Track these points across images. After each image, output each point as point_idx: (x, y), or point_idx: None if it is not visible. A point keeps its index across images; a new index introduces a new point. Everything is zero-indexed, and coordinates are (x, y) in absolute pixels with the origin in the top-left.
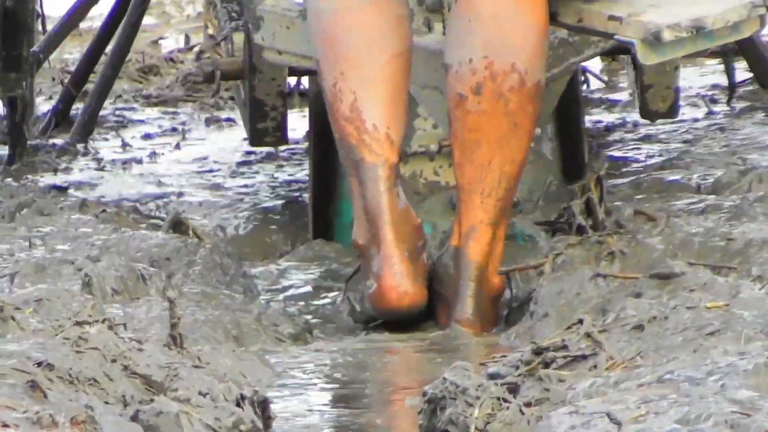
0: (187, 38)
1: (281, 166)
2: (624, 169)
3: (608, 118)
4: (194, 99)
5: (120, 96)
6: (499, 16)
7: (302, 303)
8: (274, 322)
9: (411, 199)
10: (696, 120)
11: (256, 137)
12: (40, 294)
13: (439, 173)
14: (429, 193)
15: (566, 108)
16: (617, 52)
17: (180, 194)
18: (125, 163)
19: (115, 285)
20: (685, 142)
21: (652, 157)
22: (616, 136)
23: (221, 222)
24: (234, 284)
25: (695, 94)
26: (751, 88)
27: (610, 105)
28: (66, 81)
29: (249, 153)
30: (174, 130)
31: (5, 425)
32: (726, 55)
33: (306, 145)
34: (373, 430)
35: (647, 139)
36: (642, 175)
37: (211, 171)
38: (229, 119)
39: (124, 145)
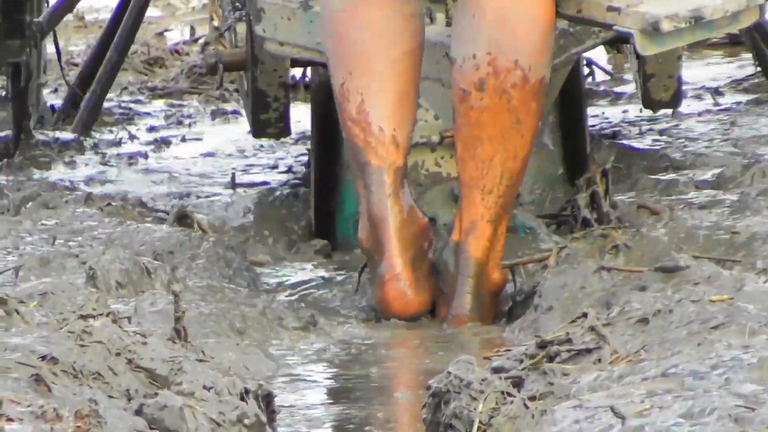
0: (193, 30)
1: (286, 158)
2: (628, 162)
3: (613, 110)
4: (200, 91)
5: (125, 88)
6: (503, 12)
7: (307, 296)
8: (279, 315)
9: (412, 190)
10: (701, 113)
11: (258, 128)
12: (45, 287)
13: (440, 164)
14: (430, 184)
15: (568, 98)
16: (619, 41)
17: (185, 187)
18: (131, 156)
19: (119, 278)
20: (689, 134)
21: (656, 149)
22: (619, 128)
23: (226, 215)
24: (238, 278)
25: (701, 87)
26: (756, 80)
27: (615, 97)
28: (71, 76)
29: (255, 146)
30: (179, 122)
31: (9, 419)
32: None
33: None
34: (377, 424)
35: (651, 131)
36: (646, 168)
37: (216, 163)
38: (235, 111)
39: (131, 137)
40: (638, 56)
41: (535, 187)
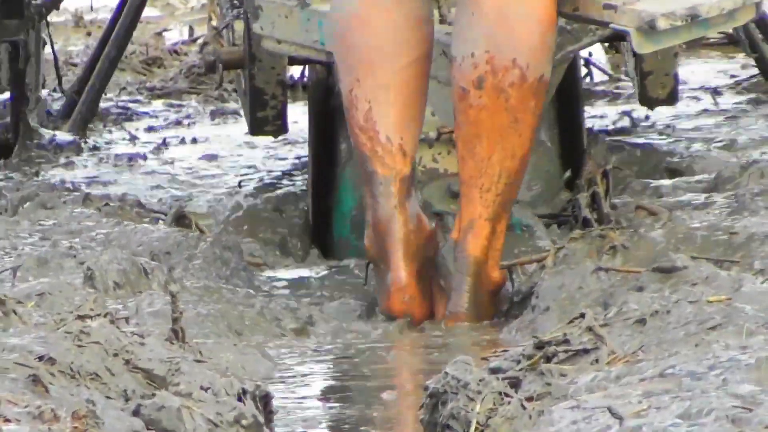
0: (191, 30)
1: (285, 158)
2: (626, 162)
3: (611, 110)
4: (198, 91)
5: (124, 88)
6: (501, 10)
7: (304, 297)
8: (276, 316)
9: (418, 195)
10: (699, 113)
11: (256, 126)
12: (43, 288)
13: (437, 160)
14: (428, 180)
15: (565, 96)
16: (616, 38)
17: (183, 188)
18: (129, 157)
19: (117, 279)
20: (687, 135)
21: (654, 149)
22: (618, 127)
23: (224, 215)
24: (235, 278)
25: (699, 87)
26: (755, 80)
27: (614, 97)
28: (69, 76)
29: (254, 146)
30: (179, 123)
31: (7, 420)
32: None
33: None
34: (374, 425)
35: (650, 131)
36: (644, 168)
37: (215, 164)
38: (234, 112)
39: (132, 138)
40: (635, 54)
41: (532, 183)
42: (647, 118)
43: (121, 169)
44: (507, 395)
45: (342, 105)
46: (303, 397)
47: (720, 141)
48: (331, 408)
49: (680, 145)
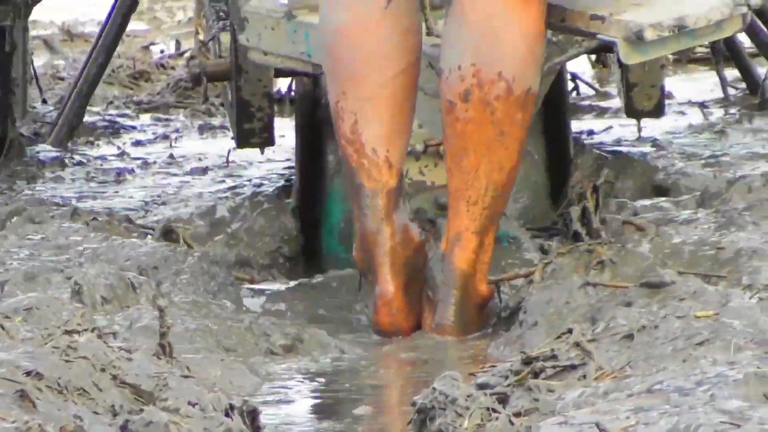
0: (178, 44)
1: (273, 171)
2: (613, 176)
3: (598, 124)
4: (185, 105)
5: (111, 102)
6: (488, 23)
7: (292, 311)
8: (265, 331)
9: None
10: (686, 127)
11: (242, 138)
12: (30, 302)
13: (424, 173)
14: (414, 192)
15: (552, 107)
16: (602, 50)
17: (171, 202)
18: (117, 171)
19: (104, 293)
20: (674, 149)
21: (641, 164)
22: (604, 141)
23: (212, 230)
24: (222, 293)
25: (687, 101)
26: (741, 94)
27: (600, 112)
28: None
29: (241, 159)
30: (166, 137)
31: None
32: (717, 60)
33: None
34: None
35: (636, 145)
36: (631, 183)
37: (203, 178)
38: (222, 126)
39: (121, 153)
40: (621, 66)
41: (519, 195)
42: (639, 132)
43: (109, 183)
44: (495, 411)
45: (329, 117)
46: (291, 413)
47: (707, 156)
48: (319, 423)
49: (667, 160)
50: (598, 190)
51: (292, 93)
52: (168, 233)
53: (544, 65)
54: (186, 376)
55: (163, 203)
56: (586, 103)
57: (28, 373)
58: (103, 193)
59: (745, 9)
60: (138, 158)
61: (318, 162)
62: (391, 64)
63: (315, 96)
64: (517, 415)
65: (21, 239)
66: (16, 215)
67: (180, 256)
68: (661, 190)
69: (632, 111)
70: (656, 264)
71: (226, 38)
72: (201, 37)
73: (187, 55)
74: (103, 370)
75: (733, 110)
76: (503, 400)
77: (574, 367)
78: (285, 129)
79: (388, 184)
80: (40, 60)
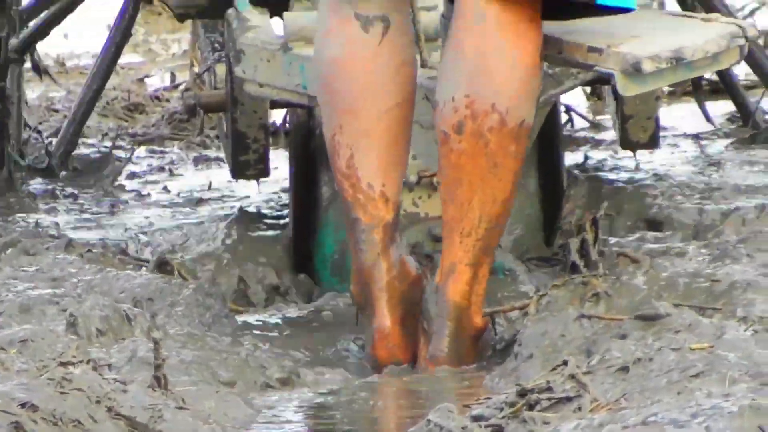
0: (173, 76)
1: (268, 203)
2: (607, 208)
3: (592, 157)
4: (181, 137)
5: (106, 134)
6: (482, 55)
7: (288, 343)
8: (261, 364)
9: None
10: (681, 159)
11: (238, 170)
12: (25, 334)
13: (418, 204)
14: (408, 224)
15: (546, 139)
16: (597, 82)
17: (166, 234)
18: (112, 203)
19: (100, 325)
20: (668, 181)
21: (635, 196)
22: (599, 174)
23: (207, 261)
24: (218, 324)
25: (681, 134)
26: (733, 126)
27: (595, 144)
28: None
29: (236, 192)
30: (161, 169)
31: None
32: (698, 92)
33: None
34: None
35: (630, 177)
36: (625, 215)
37: (198, 210)
38: (217, 158)
39: (116, 185)
40: (616, 97)
41: (513, 227)
42: (637, 164)
43: (103, 215)
44: None
45: (323, 147)
46: None
47: (701, 188)
48: None
49: (661, 192)
50: (597, 223)
51: (286, 125)
52: (163, 265)
53: (540, 98)
54: (181, 408)
55: (158, 235)
56: (581, 135)
57: (23, 405)
58: (97, 225)
59: (742, 41)
60: (133, 190)
61: (312, 193)
62: (387, 97)
63: (309, 127)
64: None
65: (16, 271)
66: (10, 247)
67: (175, 287)
68: (655, 222)
69: (627, 143)
70: (651, 296)
71: (221, 70)
72: (196, 69)
73: (181, 87)
74: (98, 402)
75: (727, 142)
76: (498, 431)
77: (569, 399)
78: (279, 160)
79: (384, 219)
80: (34, 92)
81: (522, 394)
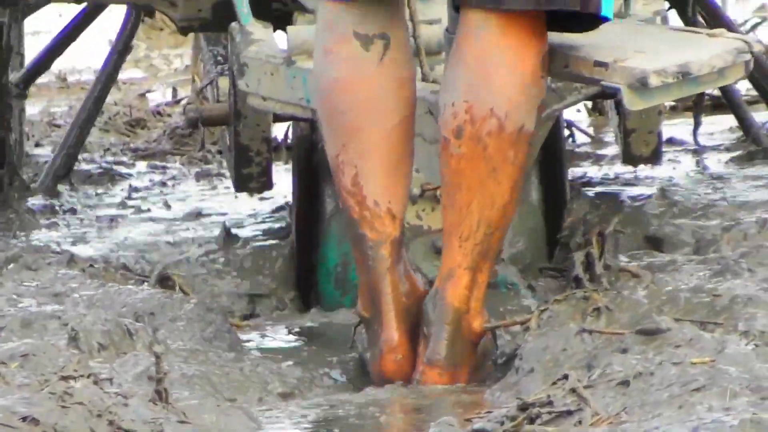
0: (175, 91)
1: (271, 218)
2: (608, 223)
3: (594, 172)
4: (182, 152)
5: (108, 149)
6: (482, 60)
7: (290, 358)
8: (264, 379)
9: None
10: (683, 174)
11: (240, 183)
12: (27, 349)
13: (421, 217)
14: (412, 237)
15: (549, 153)
16: (599, 97)
17: (168, 249)
18: (113, 218)
19: (101, 340)
20: (669, 196)
21: (636, 211)
22: (600, 189)
23: (208, 276)
24: (219, 339)
25: (683, 148)
26: (735, 141)
27: (597, 159)
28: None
29: (238, 206)
30: (163, 184)
31: None
32: (699, 107)
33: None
34: None
35: (633, 192)
36: (627, 229)
37: (199, 225)
38: (219, 173)
39: (118, 200)
40: (619, 112)
41: (515, 240)
42: (639, 179)
43: (105, 230)
44: None
45: (326, 161)
46: None
47: (703, 202)
48: None
49: (663, 206)
50: (604, 237)
51: (288, 139)
52: (164, 280)
53: (543, 113)
54: (182, 422)
55: (160, 250)
56: (583, 150)
57: (24, 419)
58: (99, 239)
59: (748, 56)
60: (134, 205)
61: (315, 206)
62: (391, 115)
63: (312, 140)
64: None
65: (17, 286)
66: (12, 262)
67: (176, 302)
68: (657, 237)
69: (630, 157)
70: (652, 311)
71: (224, 83)
72: (197, 84)
73: (183, 102)
74: (99, 416)
75: (728, 157)
76: None
77: (570, 413)
78: (280, 174)
79: (392, 235)
80: (36, 107)
81: (523, 408)
